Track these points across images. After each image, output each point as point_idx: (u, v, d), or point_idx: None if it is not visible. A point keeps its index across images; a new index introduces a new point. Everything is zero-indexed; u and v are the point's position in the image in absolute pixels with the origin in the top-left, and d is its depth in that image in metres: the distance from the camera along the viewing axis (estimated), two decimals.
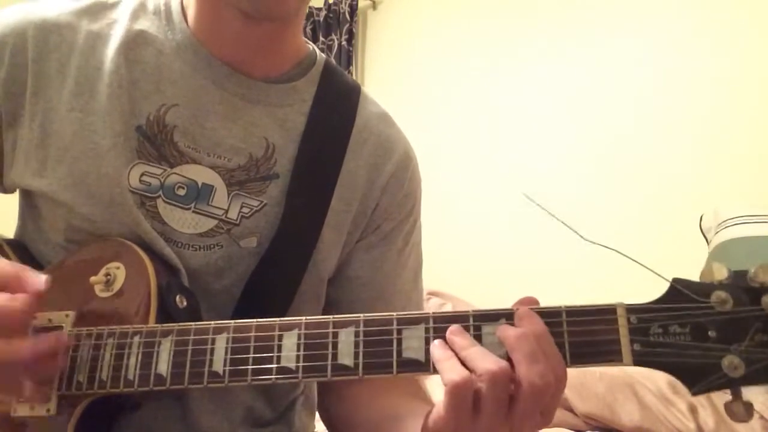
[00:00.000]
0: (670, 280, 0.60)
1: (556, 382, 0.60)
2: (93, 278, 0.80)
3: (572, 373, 1.76)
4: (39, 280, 0.68)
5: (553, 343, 0.62)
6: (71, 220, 0.84)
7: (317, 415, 1.07)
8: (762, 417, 1.65)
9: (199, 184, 0.86)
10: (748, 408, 0.56)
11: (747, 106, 2.55)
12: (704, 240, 2.35)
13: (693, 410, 1.71)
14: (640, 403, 1.74)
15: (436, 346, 0.64)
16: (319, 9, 4.03)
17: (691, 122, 2.68)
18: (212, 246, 0.87)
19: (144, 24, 0.90)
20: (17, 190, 0.93)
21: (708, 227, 2.35)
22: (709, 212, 2.36)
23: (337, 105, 0.96)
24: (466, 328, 0.64)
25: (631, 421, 1.71)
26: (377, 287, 0.97)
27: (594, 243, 0.74)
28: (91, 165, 0.82)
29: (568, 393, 1.79)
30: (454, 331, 0.65)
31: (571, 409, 1.80)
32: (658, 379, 1.78)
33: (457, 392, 0.61)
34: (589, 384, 1.79)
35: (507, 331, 0.63)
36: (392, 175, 0.96)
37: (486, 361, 0.61)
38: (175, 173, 0.86)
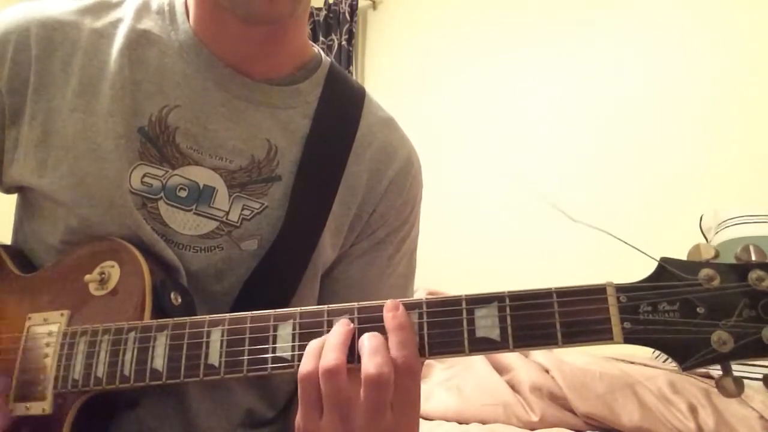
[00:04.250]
0: (658, 259, 0.60)
1: (401, 373, 0.62)
2: (87, 276, 0.80)
3: (572, 373, 1.77)
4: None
5: (410, 337, 0.64)
6: (70, 221, 0.84)
7: None
8: (762, 417, 1.65)
9: (201, 186, 0.86)
10: (738, 383, 0.57)
11: (747, 106, 2.56)
12: (704, 240, 2.35)
13: (693, 410, 1.71)
14: (640, 403, 1.73)
15: (315, 340, 0.67)
16: (319, 9, 4.04)
17: (690, 122, 2.69)
18: (213, 248, 0.87)
19: (148, 24, 0.90)
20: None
21: (708, 227, 2.35)
22: (709, 212, 2.36)
23: (341, 108, 0.96)
24: (459, 312, 0.65)
25: (631, 421, 1.70)
26: (363, 290, 0.96)
27: (585, 224, 0.74)
28: (92, 166, 0.82)
29: (568, 393, 1.79)
30: (339, 322, 0.68)
31: (571, 409, 1.79)
32: (658, 379, 1.78)
33: (302, 384, 0.64)
34: (589, 384, 1.79)
35: (362, 336, 0.66)
36: (392, 181, 0.96)
37: (326, 355, 0.64)
38: (176, 175, 0.86)
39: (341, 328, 0.66)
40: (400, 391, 0.63)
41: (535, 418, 1.78)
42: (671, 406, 1.73)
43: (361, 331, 0.66)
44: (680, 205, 2.60)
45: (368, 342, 0.64)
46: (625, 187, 2.81)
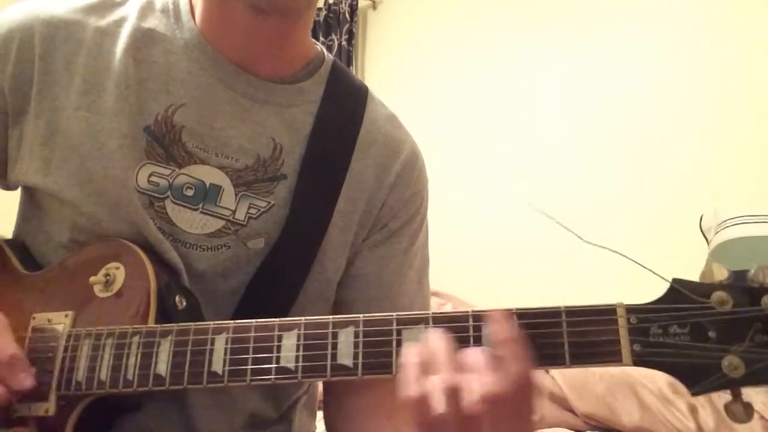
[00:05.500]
0: (670, 280, 0.60)
1: (519, 385, 0.59)
2: (92, 278, 0.80)
3: (572, 373, 1.78)
4: (27, 379, 0.73)
5: (522, 348, 0.61)
6: (77, 220, 0.83)
7: (318, 415, 1.07)
8: (762, 417, 1.65)
9: (207, 185, 0.86)
10: (748, 409, 0.56)
11: (747, 106, 2.55)
12: (704, 240, 2.35)
13: (693, 410, 1.71)
14: (640, 403, 1.74)
15: (409, 353, 0.63)
16: (319, 9, 4.02)
17: (691, 122, 2.68)
18: (220, 247, 0.86)
19: (152, 22, 0.89)
20: (19, 188, 0.92)
21: (708, 227, 2.35)
22: (709, 212, 2.36)
23: (344, 106, 0.96)
24: (465, 329, 0.64)
25: (631, 421, 1.71)
26: (382, 286, 0.96)
27: (595, 245, 0.74)
28: (98, 165, 0.82)
29: (568, 393, 1.80)
30: (432, 336, 0.64)
31: (571, 409, 1.80)
32: (658, 379, 1.78)
33: (415, 409, 0.60)
34: (589, 384, 1.79)
35: (467, 351, 0.62)
36: (399, 175, 0.96)
37: (443, 374, 0.60)
38: (183, 173, 0.85)
39: (442, 341, 0.63)
40: (521, 403, 0.60)
41: (535, 418, 1.79)
42: (671, 406, 1.73)
43: (366, 344, 0.66)
44: (680, 204, 2.60)
45: (477, 358, 0.61)
46: (625, 186, 2.81)
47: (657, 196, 2.70)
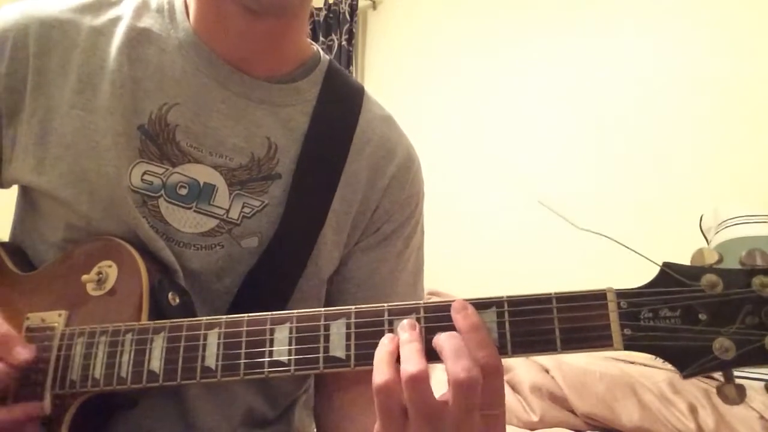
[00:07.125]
0: (660, 263, 0.60)
1: (486, 374, 0.59)
2: (85, 277, 0.79)
3: (572, 373, 1.76)
4: (24, 352, 0.73)
5: (486, 336, 0.62)
6: (70, 219, 0.84)
7: None
8: (762, 417, 1.65)
9: (201, 184, 0.86)
10: (740, 390, 0.56)
11: (748, 106, 2.56)
12: (704, 240, 2.35)
13: (693, 410, 1.70)
14: (640, 403, 1.73)
15: (382, 343, 0.64)
16: (319, 9, 4.05)
17: (691, 122, 2.68)
18: (213, 246, 0.86)
19: (147, 22, 0.90)
20: (15, 187, 0.93)
21: (708, 227, 2.35)
22: (709, 212, 2.36)
23: (340, 106, 0.96)
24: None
25: (631, 421, 1.70)
26: (373, 288, 0.96)
27: (591, 231, 0.74)
28: (91, 163, 0.82)
29: (568, 393, 1.79)
30: (403, 325, 0.64)
31: (571, 409, 1.79)
32: (658, 379, 1.78)
33: (380, 396, 0.61)
34: (589, 384, 1.79)
35: (438, 336, 0.63)
36: (393, 177, 0.96)
37: (408, 362, 0.60)
38: (177, 172, 0.85)
39: (412, 331, 0.63)
40: (488, 392, 0.60)
41: (535, 418, 1.78)
42: (671, 406, 1.73)
43: (358, 336, 0.66)
44: (680, 204, 2.60)
45: (449, 343, 0.61)
46: (625, 186, 2.81)
47: (657, 196, 2.70)
